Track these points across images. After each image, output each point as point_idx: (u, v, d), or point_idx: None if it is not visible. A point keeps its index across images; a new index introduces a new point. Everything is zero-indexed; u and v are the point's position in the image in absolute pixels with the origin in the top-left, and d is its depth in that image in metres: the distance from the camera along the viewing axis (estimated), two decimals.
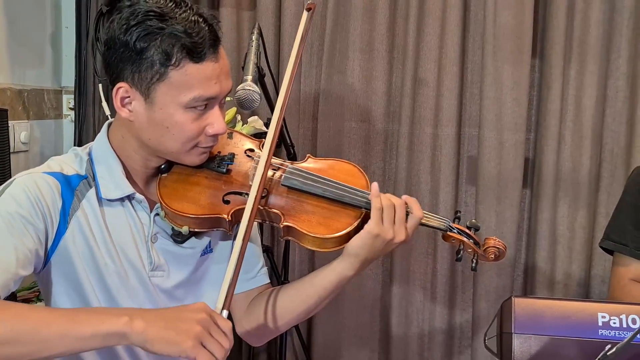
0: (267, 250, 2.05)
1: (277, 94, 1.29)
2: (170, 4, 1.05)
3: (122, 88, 1.06)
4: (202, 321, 0.92)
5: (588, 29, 2.07)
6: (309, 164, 1.23)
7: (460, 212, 1.19)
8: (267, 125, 1.92)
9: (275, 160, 1.19)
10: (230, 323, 0.97)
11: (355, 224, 1.14)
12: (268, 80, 1.70)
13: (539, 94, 2.18)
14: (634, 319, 1.13)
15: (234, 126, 2.05)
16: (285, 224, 1.12)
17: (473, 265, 1.17)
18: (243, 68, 1.47)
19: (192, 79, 1.03)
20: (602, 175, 2.14)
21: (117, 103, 1.08)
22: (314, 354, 2.39)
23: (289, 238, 1.16)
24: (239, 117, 2.04)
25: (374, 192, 1.13)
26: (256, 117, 2.02)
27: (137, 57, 1.03)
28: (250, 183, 1.13)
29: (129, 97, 1.07)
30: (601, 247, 1.73)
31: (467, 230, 1.16)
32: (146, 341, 0.90)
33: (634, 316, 1.13)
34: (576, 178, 2.11)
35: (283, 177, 1.17)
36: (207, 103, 1.07)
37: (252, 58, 1.46)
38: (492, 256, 1.16)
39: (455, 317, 2.28)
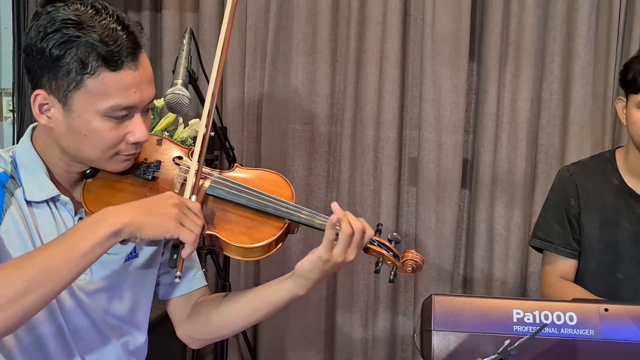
0: (212, 253, 2.05)
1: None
2: (90, 11, 1.04)
3: (40, 95, 1.06)
4: (176, 205, 1.04)
5: (523, 34, 2.13)
6: (237, 173, 1.24)
7: (381, 225, 1.20)
8: None
9: (204, 170, 1.20)
10: (199, 205, 1.10)
11: (278, 234, 1.15)
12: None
13: (476, 97, 2.24)
14: (546, 315, 1.18)
15: (176, 129, 2.05)
16: (208, 232, 1.13)
17: (391, 277, 1.19)
18: (173, 72, 1.47)
19: (109, 87, 1.03)
20: (538, 175, 2.21)
21: (35, 110, 1.07)
22: (259, 354, 2.41)
23: (213, 247, 1.17)
24: (181, 120, 2.04)
25: (339, 215, 1.10)
26: (198, 119, 2.02)
27: (53, 65, 1.02)
28: (176, 191, 1.14)
29: (47, 104, 1.06)
30: (530, 245, 1.79)
31: (388, 244, 1.18)
32: (138, 230, 1.00)
33: (546, 312, 1.18)
34: (512, 178, 2.17)
35: (209, 186, 1.18)
36: (127, 112, 1.07)
37: (182, 62, 1.47)
38: (410, 269, 1.18)
39: (398, 316, 2.32)
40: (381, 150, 2.24)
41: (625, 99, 1.61)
